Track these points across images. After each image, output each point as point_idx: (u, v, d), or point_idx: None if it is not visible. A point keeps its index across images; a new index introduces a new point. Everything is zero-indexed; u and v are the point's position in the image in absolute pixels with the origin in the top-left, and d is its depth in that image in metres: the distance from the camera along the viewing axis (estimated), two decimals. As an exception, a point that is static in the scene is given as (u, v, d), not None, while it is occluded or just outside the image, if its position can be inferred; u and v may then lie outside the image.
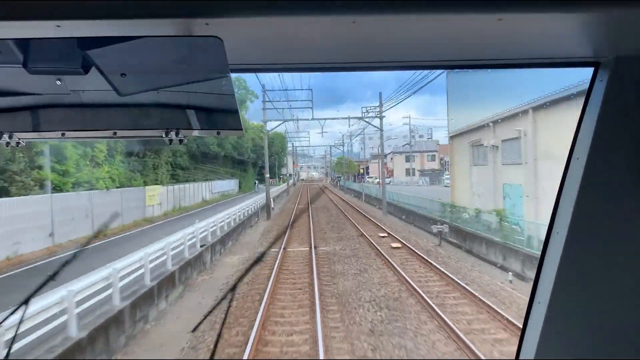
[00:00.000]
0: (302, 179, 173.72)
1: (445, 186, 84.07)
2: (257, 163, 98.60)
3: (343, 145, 74.19)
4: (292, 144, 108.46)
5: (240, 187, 74.67)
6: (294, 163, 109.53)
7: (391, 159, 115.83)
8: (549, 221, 1.51)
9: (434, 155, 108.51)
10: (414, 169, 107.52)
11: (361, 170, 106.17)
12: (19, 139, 1.11)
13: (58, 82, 1.01)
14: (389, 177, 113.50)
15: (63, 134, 1.13)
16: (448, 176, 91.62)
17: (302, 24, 1.05)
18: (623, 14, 1.04)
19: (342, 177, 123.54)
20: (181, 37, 1.01)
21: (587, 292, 1.44)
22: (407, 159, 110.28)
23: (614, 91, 1.35)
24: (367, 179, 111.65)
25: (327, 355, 8.84)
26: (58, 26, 0.97)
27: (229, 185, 66.80)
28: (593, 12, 1.02)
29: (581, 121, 1.43)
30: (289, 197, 68.08)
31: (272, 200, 47.76)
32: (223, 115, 1.12)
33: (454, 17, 1.01)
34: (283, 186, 77.40)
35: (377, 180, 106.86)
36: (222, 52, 0.96)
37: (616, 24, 1.12)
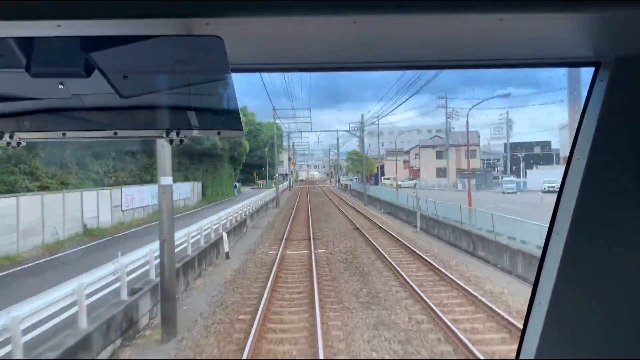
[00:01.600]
0: (302, 180, 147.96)
1: (504, 192, 57.81)
2: (239, 158, 72.44)
3: (362, 125, 47.20)
4: (288, 135, 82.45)
5: (204, 193, 48.51)
6: (290, 160, 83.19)
7: (416, 155, 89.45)
8: (549, 222, 1.49)
9: (474, 150, 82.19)
10: (445, 169, 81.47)
11: (374, 170, 79.63)
12: (19, 139, 1.10)
13: (60, 87, 1.01)
14: (413, 179, 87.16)
15: (64, 134, 1.12)
16: (510, 179, 64.01)
17: (302, 24, 1.04)
18: (623, 14, 1.03)
19: (341, 177, 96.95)
20: (181, 37, 1.01)
21: (588, 292, 1.43)
22: (439, 155, 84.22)
23: (614, 91, 1.33)
24: (384, 181, 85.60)
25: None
26: (58, 26, 0.97)
27: (181, 191, 40.55)
28: (593, 12, 1.01)
29: (582, 121, 1.42)
30: (278, 213, 41.56)
31: (228, 235, 21.38)
32: (223, 115, 1.11)
33: (454, 17, 1.01)
34: (269, 192, 50.96)
35: (398, 183, 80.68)
36: (222, 51, 0.95)
37: (617, 24, 1.11)
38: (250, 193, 60.96)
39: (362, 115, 47.62)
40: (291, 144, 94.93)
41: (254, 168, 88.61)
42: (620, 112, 1.35)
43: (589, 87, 1.40)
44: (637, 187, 1.36)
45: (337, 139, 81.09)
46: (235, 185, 64.82)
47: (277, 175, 49.03)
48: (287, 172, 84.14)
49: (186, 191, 41.35)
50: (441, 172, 77.56)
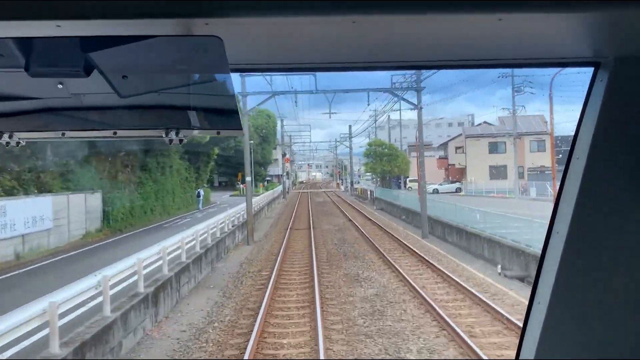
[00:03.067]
0: (302, 182, 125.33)
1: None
2: (207, 152, 49.55)
3: (418, 80, 23.76)
4: (281, 120, 59.94)
5: (108, 213, 25.62)
6: (284, 156, 60.04)
7: (457, 148, 66.43)
8: (549, 221, 1.47)
9: (543, 141, 58.61)
10: (502, 167, 58.38)
11: (395, 169, 56.01)
12: (19, 138, 1.11)
13: (60, 86, 1.01)
14: (454, 181, 63.78)
15: (63, 134, 1.12)
16: None
17: (302, 24, 1.04)
18: (623, 14, 1.02)
19: (350, 179, 73.42)
20: (181, 37, 1.00)
21: (588, 292, 1.42)
22: (494, 148, 61.04)
23: (614, 91, 1.33)
24: (409, 184, 62.57)
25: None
26: (58, 26, 0.97)
27: (15, 216, 17.56)
28: (593, 12, 1.01)
29: (581, 121, 1.42)
30: (242, 270, 18.04)
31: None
32: (223, 115, 1.12)
33: (454, 17, 1.00)
34: (250, 203, 27.45)
35: (433, 187, 56.39)
36: (222, 52, 0.95)
37: (616, 24, 1.11)
38: (226, 204, 39.16)
39: (420, 73, 23.96)
40: (285, 137, 72.06)
41: (239, 167, 65.62)
42: (619, 112, 1.34)
43: (589, 87, 1.38)
44: (637, 186, 1.35)
45: (349, 129, 57.65)
46: (199, 193, 41.81)
47: (248, 178, 25.72)
48: (282, 173, 60.90)
49: (38, 216, 18.18)
50: (497, 172, 54.43)
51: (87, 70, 0.96)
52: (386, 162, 47.86)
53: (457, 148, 60.69)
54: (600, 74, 1.34)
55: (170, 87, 1.08)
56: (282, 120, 59.60)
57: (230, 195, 57.63)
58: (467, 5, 0.95)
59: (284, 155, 58.82)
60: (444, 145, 65.82)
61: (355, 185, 75.44)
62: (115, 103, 1.06)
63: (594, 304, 1.41)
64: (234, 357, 8.64)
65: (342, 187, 79.43)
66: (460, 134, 60.61)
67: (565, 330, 1.43)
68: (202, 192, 41.70)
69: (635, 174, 1.35)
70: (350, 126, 59.03)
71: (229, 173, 74.90)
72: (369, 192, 50.93)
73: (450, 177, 60.89)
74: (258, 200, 37.23)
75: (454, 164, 60.61)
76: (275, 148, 71.12)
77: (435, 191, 55.07)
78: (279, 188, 60.27)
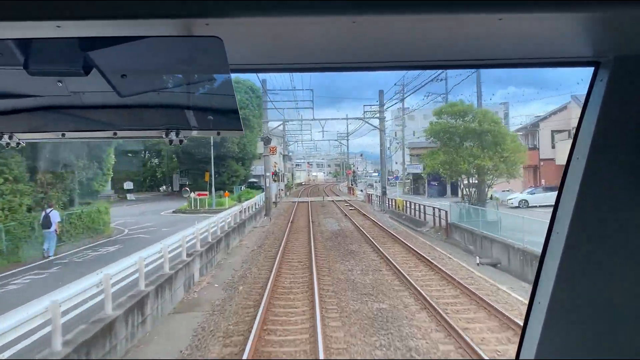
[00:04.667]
0: (301, 183, 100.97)
1: None
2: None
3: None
4: (263, 81, 35.58)
5: None
6: (267, 143, 35.02)
7: (556, 132, 40.16)
8: (549, 221, 1.47)
9: None
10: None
11: (501, 166, 31.11)
12: (19, 139, 1.10)
13: (59, 84, 1.00)
14: (549, 187, 38.06)
15: (63, 135, 1.12)
16: None
17: (302, 24, 1.04)
18: (623, 14, 1.02)
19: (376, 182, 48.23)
20: (181, 37, 1.00)
21: (588, 292, 1.41)
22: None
23: (614, 91, 1.33)
24: (494, 194, 37.44)
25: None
26: (58, 26, 0.96)
27: None
28: (593, 12, 1.01)
29: (581, 121, 1.41)
30: None
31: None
32: (223, 115, 1.11)
33: (454, 16, 1.00)
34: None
35: (519, 197, 30.11)
36: (222, 52, 0.95)
37: (616, 24, 1.10)
38: (136, 238, 19.79)
39: None
40: (281, 126, 47.89)
41: (207, 164, 41.15)
42: (620, 111, 1.33)
43: (589, 87, 1.37)
44: (637, 186, 1.34)
45: (380, 95, 33.18)
46: (48, 219, 16.93)
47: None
48: (265, 173, 36.10)
49: None
50: None
51: (87, 71, 0.94)
52: (479, 150, 22.95)
53: (556, 132, 36.14)
54: (601, 73, 1.33)
55: (171, 88, 1.06)
56: (264, 82, 35.10)
57: (173, 212, 33.08)
58: (467, 5, 0.94)
59: (267, 142, 34.06)
60: (529, 129, 41.01)
61: (368, 191, 50.47)
62: (115, 104, 1.04)
63: (594, 303, 1.39)
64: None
65: (360, 195, 54.31)
66: (564, 108, 35.88)
67: (565, 330, 1.41)
68: (56, 217, 16.98)
69: (635, 174, 1.33)
70: (381, 91, 34.31)
71: (194, 172, 50.65)
72: (425, 212, 25.86)
73: (544, 181, 36.72)
74: (202, 231, 13.25)
75: (551, 159, 36.26)
76: (264, 141, 46.37)
77: (524, 203, 30.83)
78: (257, 198, 35.21)
